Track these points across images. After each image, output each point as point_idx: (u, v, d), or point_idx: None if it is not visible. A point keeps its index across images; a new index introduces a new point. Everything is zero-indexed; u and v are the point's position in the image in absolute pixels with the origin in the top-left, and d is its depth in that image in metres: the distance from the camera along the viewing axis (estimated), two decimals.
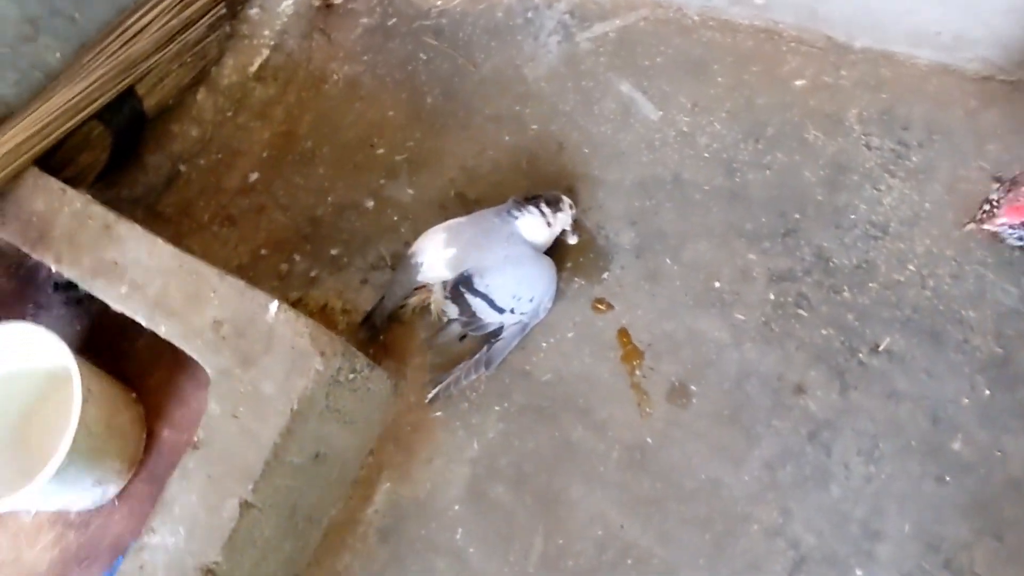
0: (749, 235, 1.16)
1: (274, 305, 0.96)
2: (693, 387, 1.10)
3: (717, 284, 1.15)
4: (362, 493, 1.12)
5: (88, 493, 1.14)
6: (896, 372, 1.05)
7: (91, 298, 1.13)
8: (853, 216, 1.15)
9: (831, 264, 1.13)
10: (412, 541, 1.09)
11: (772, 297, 1.12)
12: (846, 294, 1.10)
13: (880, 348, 1.07)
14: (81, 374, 1.03)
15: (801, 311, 1.11)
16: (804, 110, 1.21)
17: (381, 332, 1.20)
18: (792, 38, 1.25)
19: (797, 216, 1.16)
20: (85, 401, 1.03)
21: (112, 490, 1.17)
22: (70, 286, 1.20)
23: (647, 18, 1.32)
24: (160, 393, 1.22)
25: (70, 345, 1.10)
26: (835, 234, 1.14)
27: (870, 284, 1.10)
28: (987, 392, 1.02)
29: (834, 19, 1.22)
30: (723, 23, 1.28)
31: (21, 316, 1.29)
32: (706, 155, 1.22)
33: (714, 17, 1.29)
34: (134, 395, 1.22)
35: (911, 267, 1.10)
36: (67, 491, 1.10)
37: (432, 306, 1.18)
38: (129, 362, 1.24)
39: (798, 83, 1.23)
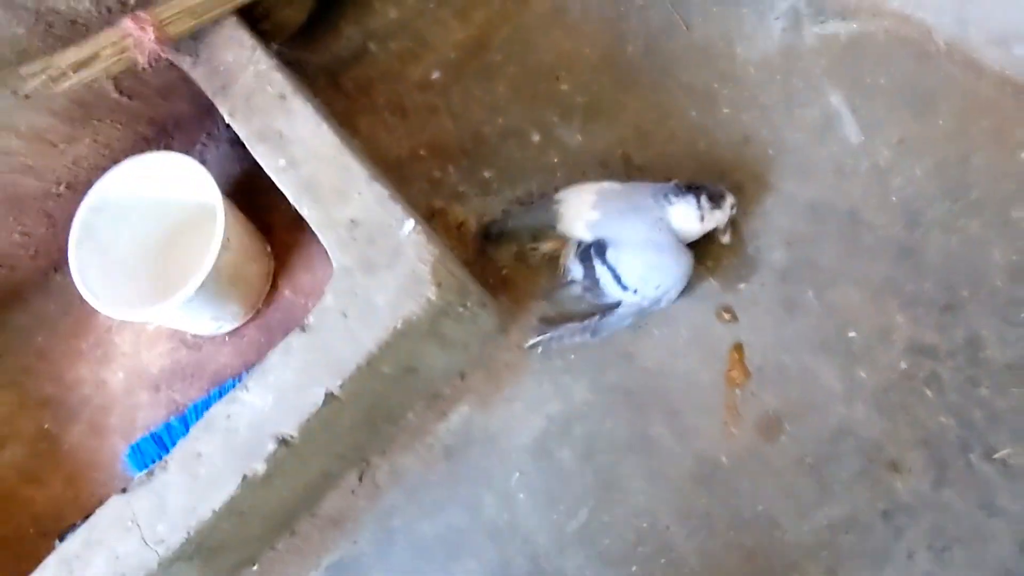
0: (906, 297, 1.30)
1: (409, 224, 1.20)
2: (787, 425, 1.28)
3: (852, 334, 1.30)
4: (441, 407, 1.40)
5: (206, 324, 1.49)
6: (1002, 486, 1.18)
7: None
8: None
9: (981, 355, 1.25)
10: (471, 467, 1.36)
11: (904, 367, 1.27)
12: (983, 390, 1.23)
13: (996, 456, 1.20)
14: (226, 222, 1.34)
15: (928, 391, 1.25)
16: (1023, 185, 1.30)
17: (494, 244, 1.46)
18: None
19: (965, 294, 1.28)
20: (223, 247, 1.34)
21: (227, 327, 1.52)
22: None
23: (888, 31, 1.41)
24: (293, 254, 1.54)
25: (226, 182, 1.40)
26: (998, 325, 1.25)
27: (1014, 389, 1.22)
28: None
29: None
30: (970, 61, 1.37)
31: (194, 141, 1.63)
32: (894, 199, 1.34)
33: (963, 51, 1.37)
34: (269, 249, 1.54)
35: None
36: (189, 318, 1.45)
37: (561, 259, 1.40)
38: (273, 216, 1.55)
39: None
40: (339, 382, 1.17)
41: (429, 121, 1.56)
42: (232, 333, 1.53)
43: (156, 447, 1.42)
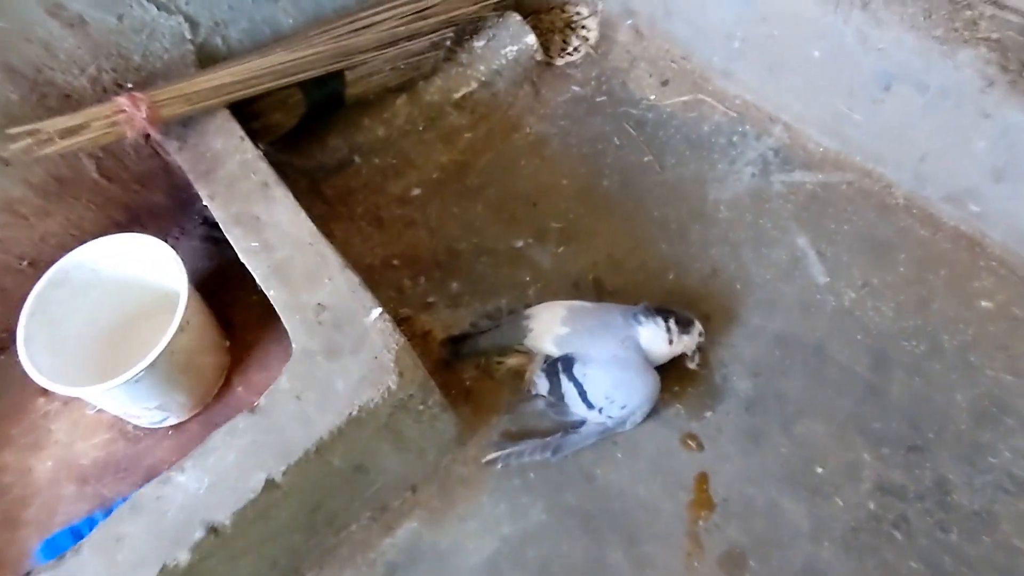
0: (873, 435, 1.25)
1: (376, 312, 1.16)
2: (752, 562, 1.19)
3: (819, 470, 1.24)
4: (388, 521, 1.28)
5: (148, 413, 1.38)
6: None
7: (227, 244, 1.40)
8: (992, 460, 1.21)
9: (949, 499, 1.19)
10: None
11: (872, 507, 1.20)
12: (953, 536, 1.16)
13: None
14: (187, 306, 1.29)
15: (897, 533, 1.18)
16: (980, 333, 1.30)
17: (459, 360, 1.40)
18: (994, 256, 1.35)
19: (931, 435, 1.24)
20: (180, 330, 1.28)
21: (171, 420, 1.41)
22: (215, 225, 1.45)
23: (851, 183, 1.47)
24: (251, 353, 1.48)
25: (193, 277, 1.36)
26: (965, 470, 1.21)
27: (984, 537, 1.16)
28: None
29: None
30: (927, 215, 1.41)
31: (165, 234, 1.59)
32: (859, 337, 1.33)
33: (920, 206, 1.42)
34: (227, 344, 1.47)
35: None
36: (132, 403, 1.34)
37: (526, 374, 1.35)
38: (235, 313, 1.50)
39: (983, 303, 1.32)
40: (283, 468, 1.07)
41: (404, 233, 1.55)
42: (176, 427, 1.42)
43: (74, 542, 1.27)
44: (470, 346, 1.40)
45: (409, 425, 1.21)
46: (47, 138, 1.24)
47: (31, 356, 1.28)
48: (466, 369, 1.40)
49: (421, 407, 1.20)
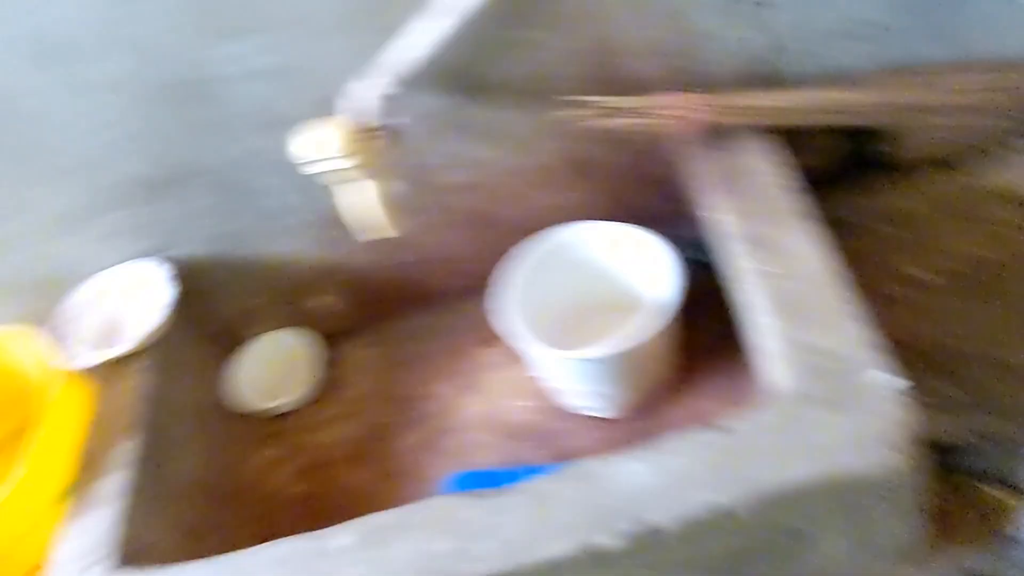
0: None
1: (886, 379, 1.04)
2: None
3: None
4: None
5: (588, 398, 1.41)
6: None
7: (703, 267, 1.39)
8: None
9: None
10: None
11: None
12: None
13: None
14: (667, 313, 1.31)
15: None
16: None
17: (941, 471, 1.19)
18: None
19: None
20: (652, 332, 1.28)
21: (604, 412, 1.42)
22: (697, 248, 1.42)
23: None
24: (697, 378, 1.45)
25: None
26: None
27: None
28: None
29: None
30: None
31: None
32: None
33: None
34: (679, 363, 1.46)
35: None
36: (577, 382, 1.40)
37: (1014, 516, 1.12)
38: (693, 336, 1.46)
39: None
40: (735, 497, 0.99)
41: (905, 317, 1.36)
42: (604, 421, 1.43)
43: (484, 486, 1.30)
44: (957, 461, 1.20)
45: (871, 513, 1.05)
46: (603, 113, 1.31)
47: (506, 309, 1.37)
48: (944, 483, 1.19)
49: (893, 498, 1.04)
